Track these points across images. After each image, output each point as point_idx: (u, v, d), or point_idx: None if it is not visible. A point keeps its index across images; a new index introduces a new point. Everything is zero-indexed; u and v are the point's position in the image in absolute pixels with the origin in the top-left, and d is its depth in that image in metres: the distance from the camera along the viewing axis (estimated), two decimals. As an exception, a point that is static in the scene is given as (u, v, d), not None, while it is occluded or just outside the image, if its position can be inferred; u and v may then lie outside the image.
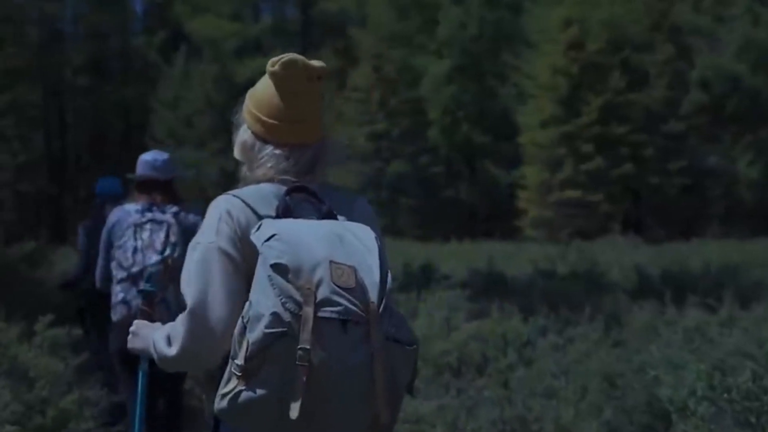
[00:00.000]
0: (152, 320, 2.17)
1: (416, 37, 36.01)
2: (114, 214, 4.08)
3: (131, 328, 2.11)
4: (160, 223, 3.95)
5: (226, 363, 1.75)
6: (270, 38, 39.43)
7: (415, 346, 1.81)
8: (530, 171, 30.84)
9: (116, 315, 3.94)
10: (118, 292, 3.93)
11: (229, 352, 1.73)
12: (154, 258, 3.87)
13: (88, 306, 5.39)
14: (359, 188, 31.93)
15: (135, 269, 3.87)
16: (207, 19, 37.62)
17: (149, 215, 3.98)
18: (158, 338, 1.89)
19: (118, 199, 5.19)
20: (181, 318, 1.84)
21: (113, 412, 4.54)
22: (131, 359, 3.06)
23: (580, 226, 28.08)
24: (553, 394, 4.85)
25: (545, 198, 29.82)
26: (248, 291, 1.75)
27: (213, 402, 1.78)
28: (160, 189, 4.09)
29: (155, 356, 1.91)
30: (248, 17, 41.56)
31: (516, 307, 7.64)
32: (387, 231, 28.78)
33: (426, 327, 6.88)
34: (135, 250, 3.90)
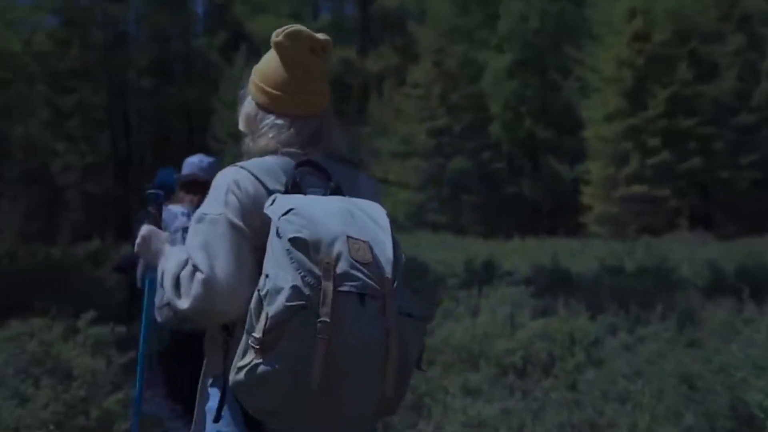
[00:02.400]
0: (159, 225, 2.22)
1: (477, 31, 35.66)
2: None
3: (141, 232, 2.13)
4: None
5: (229, 329, 1.83)
6: (329, 35, 39.34)
7: (424, 321, 1.85)
8: (595, 166, 30.21)
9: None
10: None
11: (234, 321, 1.80)
12: None
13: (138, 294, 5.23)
14: (420, 185, 31.78)
15: None
16: (266, 19, 37.86)
17: None
18: (167, 278, 1.88)
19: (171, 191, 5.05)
20: (194, 280, 1.81)
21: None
22: (174, 359, 2.89)
23: (646, 222, 27.40)
24: (627, 398, 4.49)
25: (610, 193, 29.16)
26: (256, 262, 1.79)
27: (214, 365, 1.88)
28: (205, 190, 3.95)
29: (165, 294, 1.90)
30: (307, 16, 41.67)
31: (583, 305, 7.32)
32: (449, 228, 28.60)
33: (489, 325, 6.61)
34: None
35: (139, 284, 5.29)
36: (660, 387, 4.51)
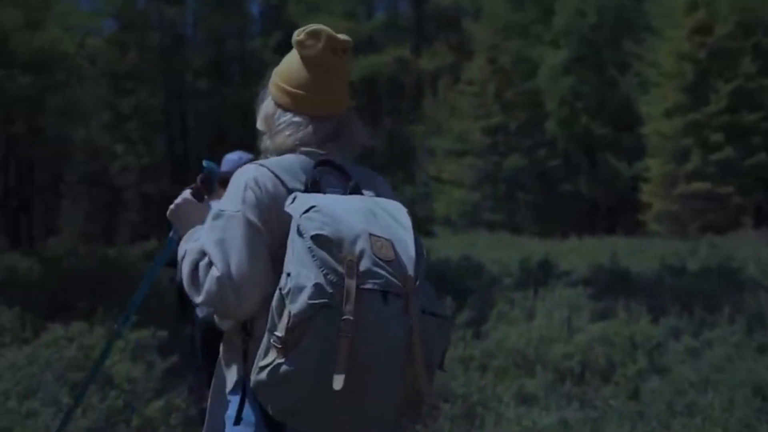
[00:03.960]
0: (200, 198, 2.19)
1: (532, 27, 35.18)
2: None
3: (177, 200, 2.14)
4: None
5: (247, 329, 1.83)
6: (383, 35, 39.44)
7: (447, 319, 1.84)
8: (654, 163, 29.57)
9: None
10: None
11: (244, 324, 1.82)
12: None
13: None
14: (475, 183, 31.50)
15: None
16: (320, 19, 37.97)
17: None
18: (186, 262, 1.89)
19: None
20: (208, 275, 1.82)
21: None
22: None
23: (708, 220, 26.71)
24: (695, 410, 4.20)
25: (670, 191, 28.49)
26: (272, 261, 1.80)
27: (233, 372, 1.87)
28: None
29: (182, 275, 1.91)
30: (362, 15, 41.66)
31: (644, 307, 7.04)
32: (504, 227, 28.31)
33: (545, 328, 6.37)
34: None
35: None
36: (731, 397, 4.22)
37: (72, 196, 35.57)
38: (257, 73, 40.39)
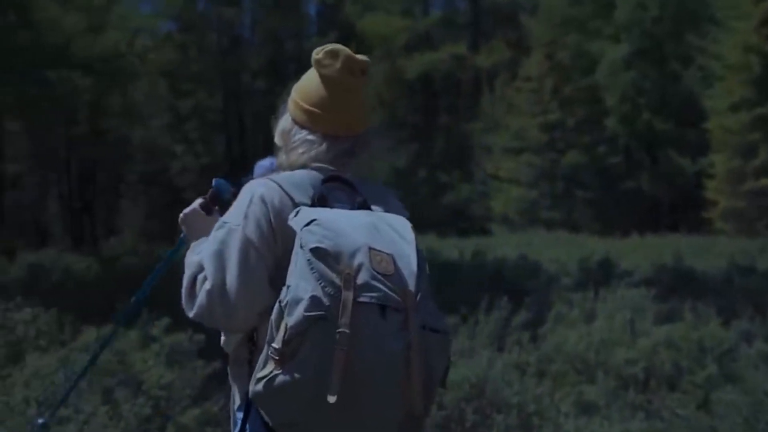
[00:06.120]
0: (209, 212, 2.22)
1: (591, 21, 34.57)
2: None
3: (187, 210, 2.21)
4: None
5: (253, 342, 1.85)
6: (439, 32, 39.24)
7: (449, 335, 1.81)
8: (719, 159, 28.78)
9: None
10: None
11: (251, 336, 1.85)
12: None
13: None
14: (532, 181, 31.10)
15: None
16: (377, 18, 37.96)
17: None
18: (186, 274, 1.92)
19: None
20: (202, 289, 1.85)
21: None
22: None
23: (777, 218, 25.86)
24: (773, 422, 3.87)
25: (737, 187, 27.69)
26: (271, 277, 1.81)
27: (239, 385, 1.90)
28: None
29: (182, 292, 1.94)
30: (418, 12, 41.52)
31: (713, 309, 6.65)
32: (562, 225, 27.88)
33: (606, 331, 6.06)
34: None
35: None
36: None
37: (132, 196, 36.18)
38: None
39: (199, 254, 1.96)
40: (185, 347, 4.42)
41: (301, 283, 1.65)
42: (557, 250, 16.32)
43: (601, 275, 9.86)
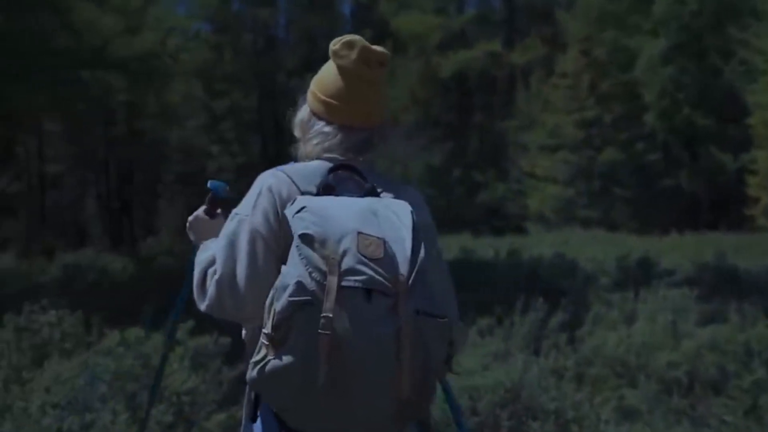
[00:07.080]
0: (213, 217, 2.24)
1: (628, 16, 34.10)
2: None
3: (191, 218, 2.23)
4: None
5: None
6: (474, 29, 39.03)
7: (447, 319, 1.76)
8: (762, 155, 28.21)
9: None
10: None
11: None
12: None
13: None
14: (569, 179, 30.75)
15: None
16: (411, 16, 37.88)
17: None
18: (197, 272, 1.95)
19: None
20: (212, 280, 1.88)
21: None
22: None
23: (824, 215, 25.30)
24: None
25: (781, 184, 27.10)
26: (279, 266, 1.76)
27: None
28: None
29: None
30: (452, 10, 41.35)
31: (759, 309, 6.41)
32: (600, 224, 27.55)
33: (647, 333, 5.87)
34: None
35: None
36: None
37: (169, 197, 36.48)
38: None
39: (209, 251, 1.97)
40: (210, 350, 4.34)
41: (290, 270, 1.67)
42: (594, 249, 16.05)
43: (640, 274, 9.64)
